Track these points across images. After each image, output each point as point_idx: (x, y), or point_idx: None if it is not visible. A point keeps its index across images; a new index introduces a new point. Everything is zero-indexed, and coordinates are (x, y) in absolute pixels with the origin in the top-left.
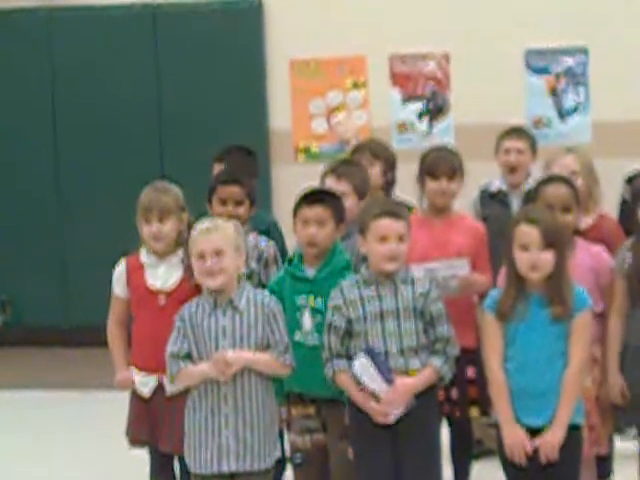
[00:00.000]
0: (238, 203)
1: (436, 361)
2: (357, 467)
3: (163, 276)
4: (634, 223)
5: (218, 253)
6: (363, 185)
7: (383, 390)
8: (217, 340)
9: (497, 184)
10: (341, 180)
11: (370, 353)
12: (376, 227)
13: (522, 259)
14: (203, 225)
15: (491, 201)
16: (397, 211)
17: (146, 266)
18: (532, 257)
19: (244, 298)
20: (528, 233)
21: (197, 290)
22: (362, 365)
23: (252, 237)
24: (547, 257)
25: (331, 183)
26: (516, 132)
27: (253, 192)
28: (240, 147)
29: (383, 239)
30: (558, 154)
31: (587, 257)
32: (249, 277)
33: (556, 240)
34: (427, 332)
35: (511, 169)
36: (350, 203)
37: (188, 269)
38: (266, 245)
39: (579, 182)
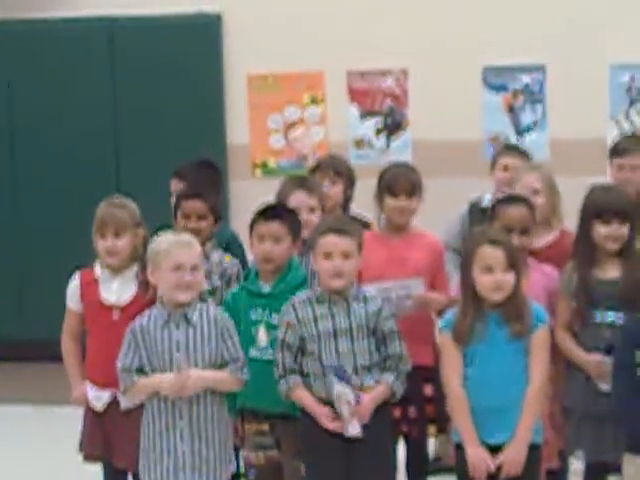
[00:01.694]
0: (201, 217)
1: (389, 377)
2: None
3: (117, 291)
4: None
5: (194, 268)
6: (323, 200)
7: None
8: (171, 353)
9: (488, 199)
10: (312, 195)
11: (340, 375)
12: (322, 243)
13: (485, 280)
14: (177, 238)
15: (482, 217)
16: (343, 228)
17: (100, 281)
18: (497, 278)
19: (197, 312)
20: (493, 255)
21: (151, 305)
22: (341, 391)
23: (217, 254)
24: (510, 278)
25: (302, 197)
26: (515, 150)
27: (217, 207)
28: (200, 161)
29: (328, 255)
30: (520, 172)
31: (540, 277)
32: (212, 293)
33: (516, 261)
34: (379, 349)
35: (507, 185)
36: (318, 217)
37: (143, 284)
38: (229, 263)
39: (540, 200)
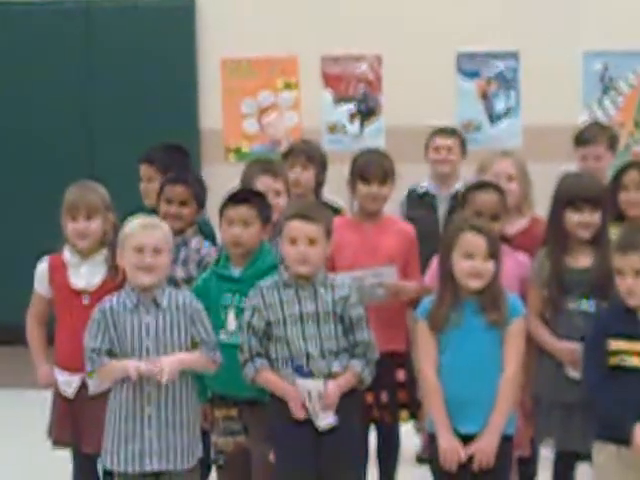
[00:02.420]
0: (183, 203)
1: (357, 365)
2: (278, 470)
3: (86, 275)
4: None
5: (156, 250)
6: (289, 183)
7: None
8: (140, 338)
9: (425, 185)
10: (278, 179)
11: (302, 371)
12: (287, 229)
13: (464, 267)
14: (143, 220)
15: (418, 202)
16: (309, 214)
17: (69, 265)
18: (476, 266)
19: (166, 297)
20: (474, 242)
21: (121, 289)
22: (310, 386)
23: (196, 241)
24: (490, 267)
25: (267, 182)
26: (446, 131)
27: (200, 194)
28: (169, 144)
29: (293, 241)
30: (493, 158)
31: (514, 265)
32: (188, 282)
33: (497, 250)
34: (347, 336)
35: (440, 165)
36: (285, 201)
37: (112, 269)
38: (208, 251)
39: (514, 186)
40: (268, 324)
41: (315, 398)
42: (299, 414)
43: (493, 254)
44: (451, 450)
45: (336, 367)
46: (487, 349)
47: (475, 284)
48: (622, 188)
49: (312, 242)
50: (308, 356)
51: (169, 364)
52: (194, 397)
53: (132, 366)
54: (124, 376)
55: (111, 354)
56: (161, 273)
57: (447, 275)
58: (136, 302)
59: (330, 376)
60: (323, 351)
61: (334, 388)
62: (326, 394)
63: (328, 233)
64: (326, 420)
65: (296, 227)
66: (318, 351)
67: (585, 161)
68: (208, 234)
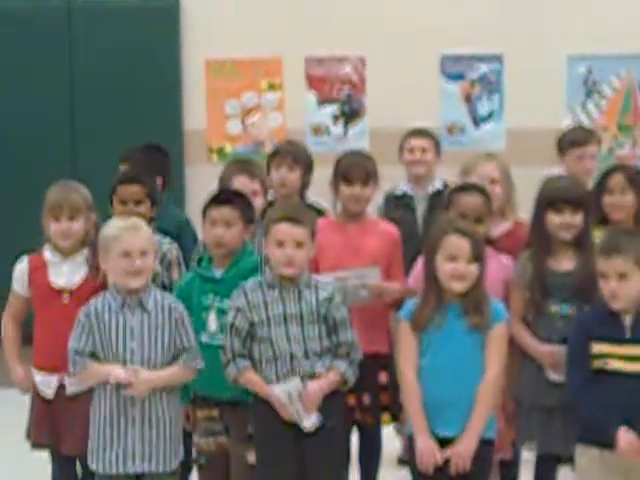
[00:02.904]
0: (138, 202)
1: (340, 365)
2: (260, 471)
3: (67, 274)
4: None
5: (143, 253)
6: (266, 183)
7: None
8: (125, 340)
9: (402, 188)
10: (254, 179)
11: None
12: (274, 231)
13: (447, 269)
14: (124, 223)
15: (396, 204)
16: (297, 216)
17: (49, 264)
18: (459, 268)
19: (152, 299)
20: (458, 245)
21: (102, 289)
22: (290, 388)
23: (155, 239)
24: (473, 269)
25: (244, 182)
26: (419, 132)
27: (154, 191)
28: (148, 145)
29: (280, 244)
30: (477, 161)
31: (498, 268)
32: (153, 280)
33: (481, 253)
34: (330, 337)
35: (415, 167)
36: (262, 202)
37: (93, 268)
38: (169, 247)
39: (498, 189)
40: (252, 325)
41: (296, 399)
42: (285, 414)
43: (477, 257)
44: (427, 452)
45: (320, 368)
46: (468, 352)
47: (458, 287)
48: (607, 191)
49: (299, 245)
50: (292, 357)
51: (142, 384)
52: (177, 398)
53: (113, 377)
54: (104, 380)
55: (94, 356)
56: (149, 274)
57: (431, 277)
58: (121, 304)
59: (314, 377)
60: (307, 352)
61: (315, 388)
62: (307, 394)
63: (313, 235)
64: (310, 421)
65: (283, 230)
66: (302, 352)
67: (581, 161)
68: (190, 234)
